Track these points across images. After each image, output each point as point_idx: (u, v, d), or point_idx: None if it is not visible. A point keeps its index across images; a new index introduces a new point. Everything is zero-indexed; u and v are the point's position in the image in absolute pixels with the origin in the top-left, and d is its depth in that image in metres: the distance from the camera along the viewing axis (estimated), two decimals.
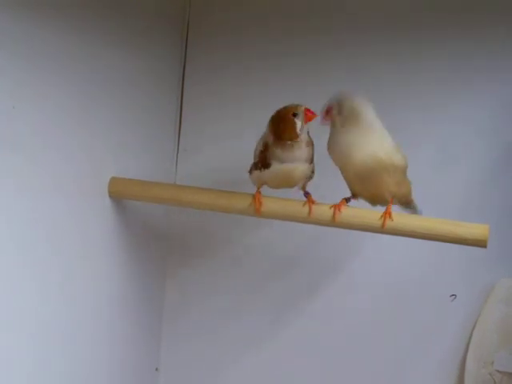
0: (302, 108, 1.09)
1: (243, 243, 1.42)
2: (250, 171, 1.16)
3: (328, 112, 1.11)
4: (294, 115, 1.09)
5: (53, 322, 1.10)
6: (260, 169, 1.12)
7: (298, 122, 1.09)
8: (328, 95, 1.34)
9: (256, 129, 1.39)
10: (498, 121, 1.26)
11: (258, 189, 1.15)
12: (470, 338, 1.27)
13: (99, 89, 1.17)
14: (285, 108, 1.10)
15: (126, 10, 1.22)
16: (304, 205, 1.12)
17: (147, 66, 1.32)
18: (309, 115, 1.09)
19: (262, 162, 1.12)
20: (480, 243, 1.05)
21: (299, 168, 1.10)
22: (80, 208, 1.15)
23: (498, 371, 1.24)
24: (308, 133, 1.10)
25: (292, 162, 1.10)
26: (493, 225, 1.06)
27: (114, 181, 1.22)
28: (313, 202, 1.12)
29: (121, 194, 1.22)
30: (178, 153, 1.45)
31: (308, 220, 1.12)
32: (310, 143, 1.11)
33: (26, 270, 1.03)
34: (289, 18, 1.38)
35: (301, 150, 1.09)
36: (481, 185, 1.28)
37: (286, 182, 1.13)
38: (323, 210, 1.11)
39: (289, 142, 1.09)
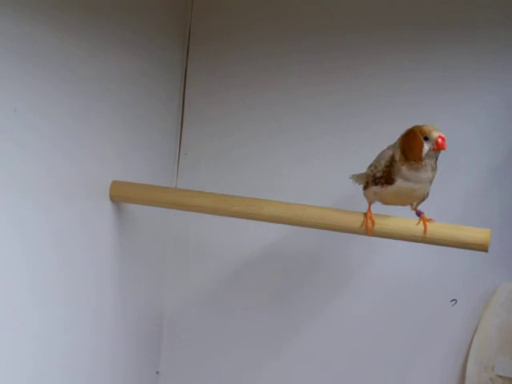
0: (436, 134, 1.05)
1: (247, 248, 1.42)
2: (366, 186, 1.12)
3: None
4: (425, 138, 1.05)
5: (54, 324, 1.10)
6: (382, 184, 1.09)
7: (426, 147, 1.05)
8: (330, 96, 1.35)
9: (258, 133, 1.40)
10: (501, 124, 1.26)
11: (370, 206, 1.11)
12: (471, 342, 1.27)
13: (101, 92, 1.17)
14: (420, 127, 1.06)
15: (128, 13, 1.23)
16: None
17: (149, 69, 1.33)
18: (439, 144, 1.04)
19: (387, 177, 1.08)
20: (481, 247, 1.05)
21: (422, 188, 1.08)
22: (82, 211, 1.15)
23: (498, 376, 1.24)
24: (436, 159, 1.07)
25: (416, 182, 1.07)
26: (494, 229, 1.06)
27: (115, 184, 1.22)
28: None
29: (122, 197, 1.22)
30: (179, 157, 1.45)
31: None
32: (435, 168, 1.08)
33: (28, 271, 1.03)
34: (291, 20, 1.38)
35: (426, 173, 1.07)
36: (482, 188, 1.27)
37: (404, 200, 1.10)
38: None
39: (413, 163, 1.06)
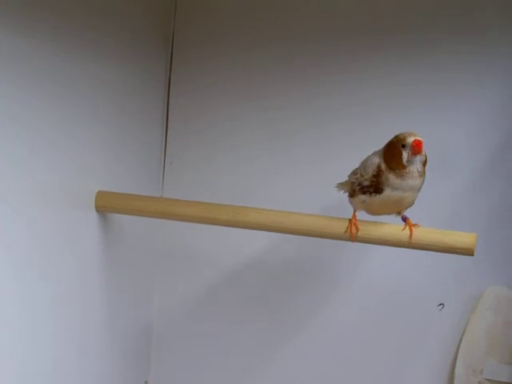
0: (411, 140, 1.05)
1: (234, 256, 1.42)
2: (353, 195, 1.12)
3: None
4: (403, 146, 1.06)
5: (39, 334, 1.09)
6: (371, 193, 1.09)
7: (405, 154, 1.05)
8: (316, 103, 1.35)
9: (243, 141, 1.40)
10: (487, 128, 1.26)
11: (355, 212, 1.11)
12: (459, 346, 1.27)
13: (83, 101, 1.16)
14: (397, 136, 1.07)
15: (108, 19, 1.22)
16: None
17: (132, 77, 1.32)
18: (414, 149, 1.05)
19: (375, 186, 1.08)
20: (467, 252, 1.05)
21: (410, 197, 1.08)
22: (67, 222, 1.14)
23: (487, 379, 1.24)
24: (424, 163, 1.07)
25: (404, 190, 1.07)
26: (480, 233, 1.07)
27: (100, 195, 1.21)
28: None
29: (108, 207, 1.22)
30: (164, 166, 1.45)
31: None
32: (423, 174, 1.07)
33: (11, 283, 1.02)
34: (278, 26, 1.38)
35: (414, 180, 1.06)
36: (468, 193, 1.28)
37: (392, 209, 1.10)
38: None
39: (398, 171, 1.06)
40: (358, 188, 1.11)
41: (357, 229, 1.09)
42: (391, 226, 1.09)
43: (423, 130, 1.22)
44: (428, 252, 1.08)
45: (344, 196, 1.16)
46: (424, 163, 1.07)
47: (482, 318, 1.25)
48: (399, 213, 1.11)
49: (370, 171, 1.09)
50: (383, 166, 1.07)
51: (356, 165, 1.13)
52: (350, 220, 1.10)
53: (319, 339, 1.37)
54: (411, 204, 1.10)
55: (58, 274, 1.12)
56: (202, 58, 1.43)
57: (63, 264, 1.14)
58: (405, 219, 1.09)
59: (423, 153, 1.06)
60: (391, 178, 1.06)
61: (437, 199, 1.28)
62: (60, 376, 1.16)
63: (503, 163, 1.26)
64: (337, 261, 1.35)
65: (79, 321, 1.19)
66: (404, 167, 1.06)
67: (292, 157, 1.38)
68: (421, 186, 1.08)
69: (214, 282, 1.43)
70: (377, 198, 1.08)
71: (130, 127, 1.32)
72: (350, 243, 1.11)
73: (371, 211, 1.12)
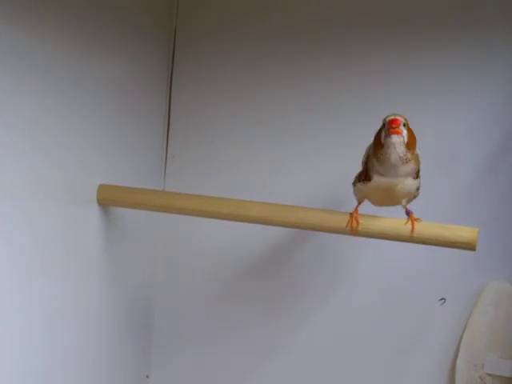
0: (387, 119, 1.02)
1: (235, 250, 1.42)
2: (354, 183, 1.12)
3: None
4: (383, 126, 1.03)
5: (40, 328, 1.09)
6: (363, 181, 1.08)
7: (383, 133, 1.03)
8: (319, 98, 1.35)
9: (246, 135, 1.40)
10: (488, 124, 1.26)
11: (358, 205, 1.10)
12: (460, 341, 1.27)
13: (86, 96, 1.17)
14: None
15: (111, 15, 1.23)
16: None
17: (135, 72, 1.32)
18: (390, 127, 1.01)
19: (365, 173, 1.07)
20: (469, 246, 1.05)
21: (400, 183, 1.05)
22: (69, 216, 1.14)
23: (488, 374, 1.24)
24: (409, 146, 1.03)
25: (391, 176, 1.04)
26: (482, 228, 1.06)
27: (102, 188, 1.21)
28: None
29: (110, 201, 1.22)
30: (166, 159, 1.45)
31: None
32: (410, 158, 1.03)
33: (12, 276, 1.02)
34: (279, 21, 1.38)
35: (394, 165, 1.03)
36: (470, 188, 1.28)
37: (389, 198, 1.08)
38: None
39: (378, 154, 1.03)
40: (356, 177, 1.11)
41: (357, 223, 1.09)
42: (393, 220, 1.08)
43: (424, 126, 1.23)
44: (429, 247, 1.08)
45: (346, 191, 1.16)
46: (409, 146, 1.03)
47: (483, 313, 1.25)
48: (404, 206, 1.09)
49: (364, 158, 1.08)
50: (371, 152, 1.06)
51: (356, 159, 1.13)
52: (350, 214, 1.10)
53: (321, 334, 1.37)
54: (410, 192, 1.07)
55: (58, 267, 1.13)
56: (204, 53, 1.43)
57: (64, 258, 1.14)
58: (408, 213, 1.09)
59: (401, 133, 1.01)
60: (376, 163, 1.04)
61: (438, 195, 1.28)
62: (59, 371, 1.16)
63: (504, 159, 1.26)
64: (337, 256, 1.35)
65: (79, 315, 1.20)
66: (382, 147, 1.03)
67: (293, 152, 1.38)
68: (411, 172, 1.05)
69: (214, 275, 1.43)
70: (368, 185, 1.07)
71: (132, 122, 1.32)
72: (350, 238, 1.11)
73: (372, 201, 1.11)
